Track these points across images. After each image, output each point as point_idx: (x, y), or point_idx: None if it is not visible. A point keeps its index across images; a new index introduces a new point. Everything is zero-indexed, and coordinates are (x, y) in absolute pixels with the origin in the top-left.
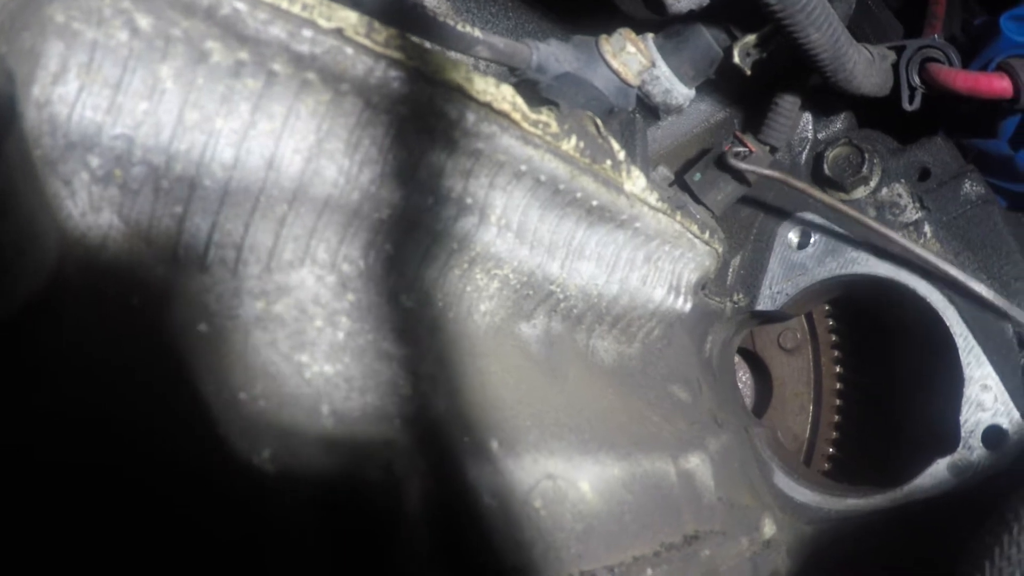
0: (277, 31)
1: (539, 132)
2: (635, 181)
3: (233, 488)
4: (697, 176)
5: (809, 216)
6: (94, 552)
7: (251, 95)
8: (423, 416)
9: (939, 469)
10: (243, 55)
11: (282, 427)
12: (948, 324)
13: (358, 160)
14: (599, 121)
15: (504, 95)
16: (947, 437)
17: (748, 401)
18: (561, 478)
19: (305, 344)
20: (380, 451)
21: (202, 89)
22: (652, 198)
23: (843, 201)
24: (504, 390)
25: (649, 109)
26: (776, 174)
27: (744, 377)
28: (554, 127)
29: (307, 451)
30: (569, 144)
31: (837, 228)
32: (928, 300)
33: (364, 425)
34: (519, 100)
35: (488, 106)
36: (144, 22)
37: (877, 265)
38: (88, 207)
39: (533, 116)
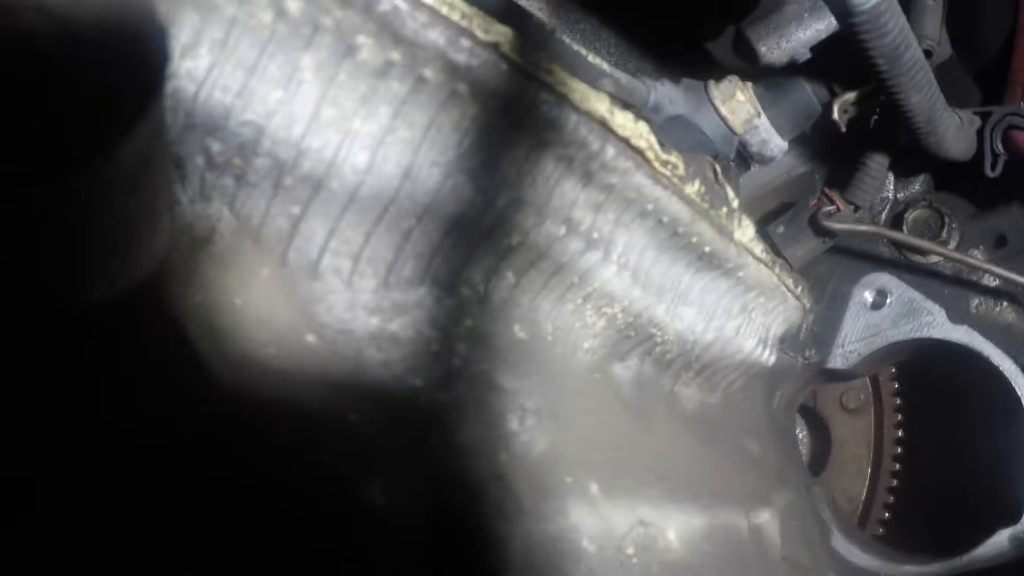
0: (436, 36)
1: (668, 173)
2: (745, 230)
3: (343, 515)
4: (780, 229)
5: (886, 277)
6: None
7: (394, 99)
8: (529, 452)
9: (1000, 540)
10: (394, 56)
11: (393, 454)
12: (1020, 394)
13: (497, 182)
14: (718, 167)
15: (641, 132)
16: (1010, 508)
17: (803, 459)
18: (652, 525)
19: (420, 368)
20: (488, 488)
21: (343, 86)
22: (758, 248)
23: (920, 265)
24: (601, 432)
25: (741, 158)
26: (873, 228)
27: (800, 434)
28: (681, 169)
29: (416, 483)
30: (693, 188)
31: (913, 291)
32: (1000, 368)
33: (473, 458)
34: (653, 139)
35: (626, 141)
36: (293, 5)
37: (952, 331)
38: (198, 194)
39: (664, 156)
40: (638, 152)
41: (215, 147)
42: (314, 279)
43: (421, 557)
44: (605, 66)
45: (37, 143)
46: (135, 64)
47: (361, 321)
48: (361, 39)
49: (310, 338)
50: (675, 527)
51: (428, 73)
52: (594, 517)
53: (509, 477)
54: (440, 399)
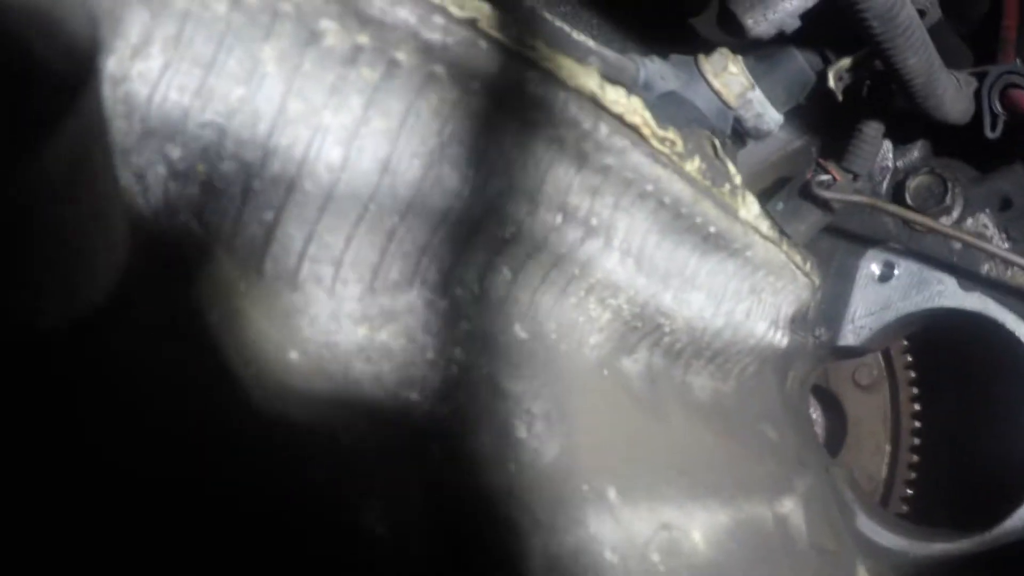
0: (406, 14)
1: (667, 150)
2: (749, 207)
3: (339, 546)
4: (779, 205)
5: (892, 247)
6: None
7: (365, 87)
8: (539, 461)
9: None
10: (362, 39)
11: (391, 477)
12: None
13: (485, 170)
14: (717, 142)
15: (635, 107)
16: None
17: (820, 440)
18: (676, 528)
19: (415, 379)
20: (498, 504)
21: (309, 76)
22: (764, 226)
23: (926, 232)
24: (614, 431)
25: (736, 135)
26: (868, 199)
27: (815, 415)
28: (680, 146)
29: (418, 505)
30: (693, 165)
31: (921, 260)
32: (1016, 333)
33: (480, 473)
34: (648, 114)
35: (620, 118)
36: None
37: (964, 298)
38: (162, 206)
39: (661, 133)
40: (633, 129)
41: (175, 153)
42: (294, 290)
43: None
44: (591, 43)
45: None
46: (58, 52)
47: (347, 332)
48: (324, 23)
49: (293, 355)
50: (700, 527)
51: (401, 56)
52: (614, 525)
53: (521, 490)
54: (439, 411)
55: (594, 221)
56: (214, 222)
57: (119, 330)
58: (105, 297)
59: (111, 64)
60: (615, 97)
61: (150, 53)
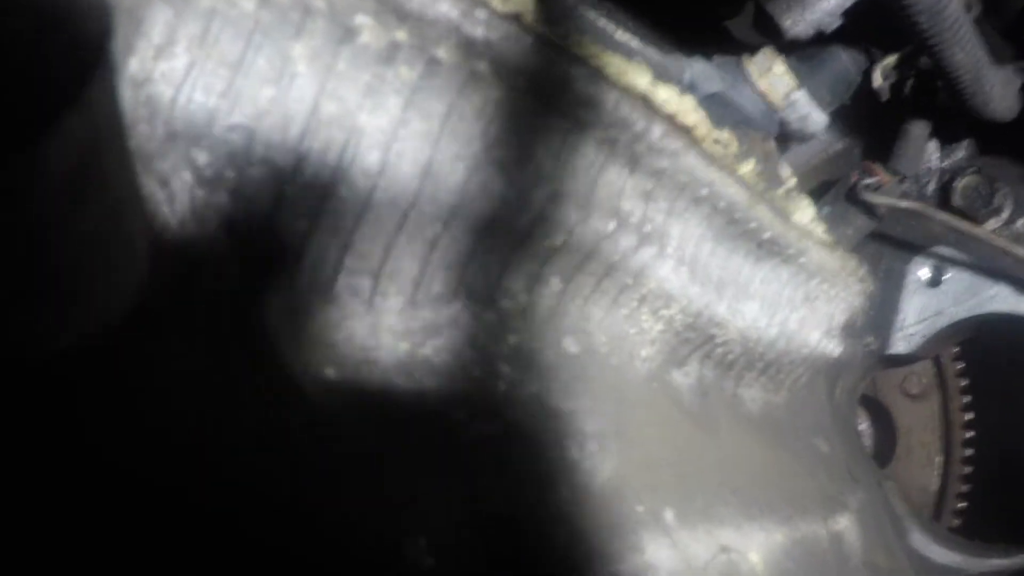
0: (447, 8)
1: (721, 152)
2: (804, 212)
3: None
4: (825, 210)
5: (941, 251)
6: None
7: (403, 87)
8: (592, 483)
9: None
10: (400, 36)
11: (436, 502)
12: None
13: (532, 174)
14: (774, 143)
15: (688, 107)
16: None
17: (868, 452)
18: (734, 550)
19: (460, 397)
20: (552, 532)
21: (343, 76)
22: (819, 230)
23: (976, 234)
24: (666, 449)
25: (780, 137)
26: (915, 205)
27: (863, 426)
28: (734, 147)
29: (465, 533)
30: (747, 168)
31: (972, 264)
32: None
33: (531, 499)
34: (702, 114)
35: (672, 119)
36: None
37: (1018, 303)
38: (189, 215)
39: (716, 134)
40: (687, 130)
41: (201, 158)
42: (329, 303)
43: None
44: (634, 43)
45: None
46: (62, 40)
47: (388, 348)
48: (360, 19)
49: (329, 372)
50: (757, 548)
51: (441, 53)
52: (671, 550)
53: (574, 516)
54: (486, 432)
55: (648, 228)
56: (244, 232)
57: (143, 343)
58: (126, 308)
59: (133, 65)
60: (667, 96)
61: (174, 53)
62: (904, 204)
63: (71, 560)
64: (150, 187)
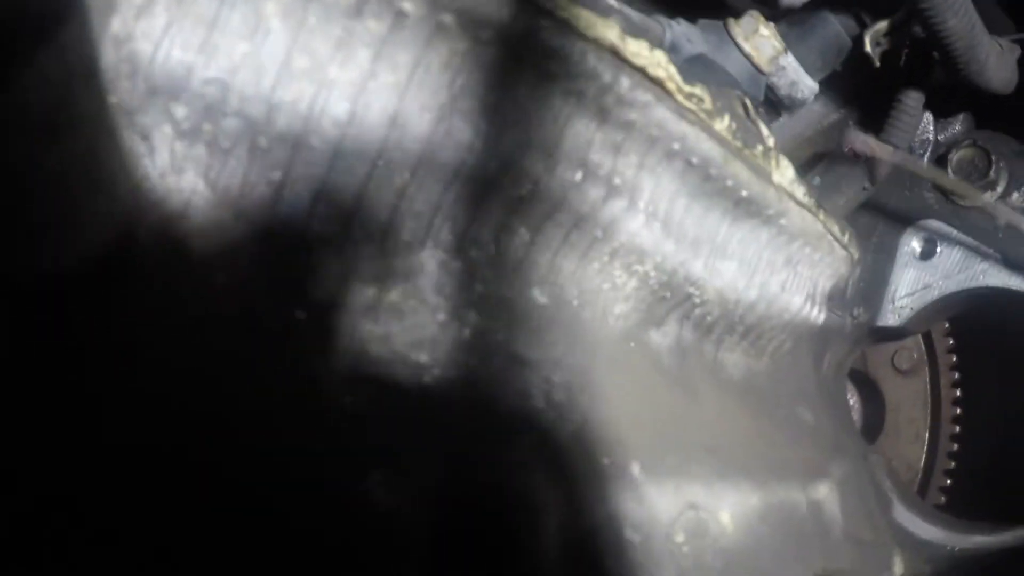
0: None
1: (693, 107)
2: (784, 172)
3: (334, 511)
4: (816, 180)
5: (934, 224)
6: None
7: (372, 40)
8: (557, 433)
9: None
10: None
11: (395, 442)
12: None
13: (498, 124)
14: (748, 102)
15: (658, 60)
16: None
17: (857, 426)
18: (703, 509)
19: (425, 342)
20: (511, 477)
21: (314, 30)
22: (800, 192)
23: (970, 208)
24: (640, 406)
25: (770, 104)
26: (909, 160)
27: (852, 400)
28: (708, 103)
29: (423, 474)
30: (722, 124)
31: (965, 237)
32: None
33: (492, 444)
34: (673, 68)
35: (642, 71)
36: None
37: (1010, 278)
38: (169, 167)
39: (687, 88)
40: (657, 83)
41: (180, 112)
42: (301, 249)
43: (428, 562)
44: (612, 1)
45: None
46: None
47: (356, 292)
48: None
49: (299, 314)
50: (728, 508)
51: (407, 6)
52: (637, 503)
53: (536, 463)
54: (449, 376)
55: (617, 180)
56: (222, 182)
57: (123, 283)
58: (105, 243)
59: (115, 24)
60: (636, 49)
61: (153, 12)
62: (897, 158)
63: (61, 473)
64: (132, 141)
